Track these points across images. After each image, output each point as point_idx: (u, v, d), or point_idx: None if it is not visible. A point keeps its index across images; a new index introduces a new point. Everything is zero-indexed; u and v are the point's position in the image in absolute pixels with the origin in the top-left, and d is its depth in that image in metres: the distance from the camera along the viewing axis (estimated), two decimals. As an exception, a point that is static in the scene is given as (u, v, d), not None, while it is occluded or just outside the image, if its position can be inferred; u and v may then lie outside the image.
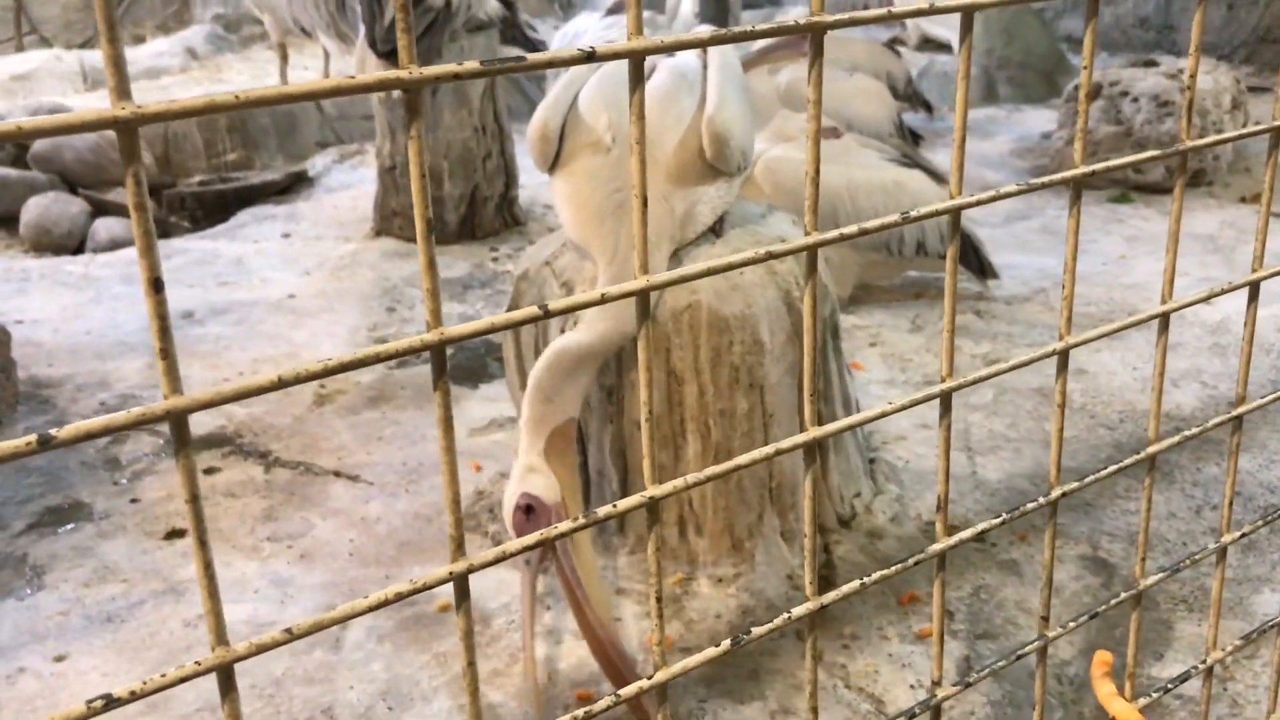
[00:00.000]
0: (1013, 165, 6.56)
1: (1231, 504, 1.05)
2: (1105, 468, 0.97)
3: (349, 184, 6.48)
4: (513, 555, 0.64)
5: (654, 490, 0.69)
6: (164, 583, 2.72)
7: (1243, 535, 1.14)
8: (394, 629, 2.49)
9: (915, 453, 3.17)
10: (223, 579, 2.71)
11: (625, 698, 0.72)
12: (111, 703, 0.53)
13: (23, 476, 3.24)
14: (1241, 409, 0.98)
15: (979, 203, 0.78)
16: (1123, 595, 1.05)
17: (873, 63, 6.62)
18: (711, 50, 2.54)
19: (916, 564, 0.85)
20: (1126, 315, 3.95)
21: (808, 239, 0.73)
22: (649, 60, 2.54)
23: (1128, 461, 0.95)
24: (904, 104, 6.71)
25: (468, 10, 5.10)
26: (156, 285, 0.51)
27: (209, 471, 3.24)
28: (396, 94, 5.13)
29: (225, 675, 0.56)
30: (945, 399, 0.78)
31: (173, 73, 9.49)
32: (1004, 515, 0.88)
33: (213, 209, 6.15)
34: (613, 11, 7.38)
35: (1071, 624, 1.01)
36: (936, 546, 0.81)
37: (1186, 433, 0.96)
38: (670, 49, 0.65)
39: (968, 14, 0.80)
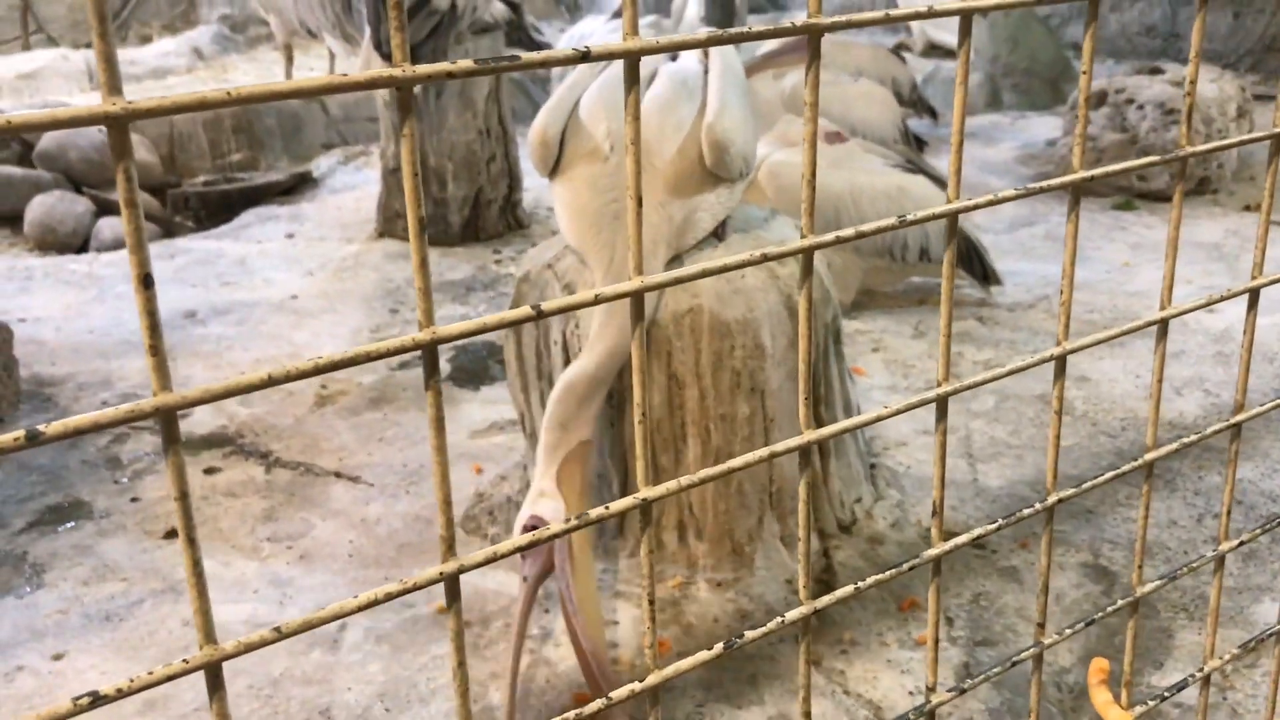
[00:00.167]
0: (1017, 172, 6.55)
1: (1230, 512, 1.05)
2: (1106, 474, 0.97)
3: (353, 185, 6.49)
4: (504, 556, 0.64)
5: (647, 492, 0.68)
6: (163, 582, 2.72)
7: (1241, 544, 1.14)
8: (392, 630, 2.49)
9: (916, 458, 3.16)
10: (222, 579, 2.71)
11: (617, 700, 0.72)
12: (98, 700, 0.53)
13: (24, 474, 3.24)
14: (1240, 416, 0.98)
15: (975, 206, 0.78)
16: (1120, 603, 1.05)
17: (878, 68, 6.62)
18: (713, 55, 2.54)
19: (912, 569, 0.85)
20: (1129, 323, 3.95)
21: (804, 241, 0.73)
22: (651, 66, 2.54)
23: (1126, 468, 0.95)
24: (909, 109, 6.71)
25: (473, 13, 5.11)
26: (146, 281, 0.51)
27: (210, 471, 3.25)
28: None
29: (213, 674, 0.56)
30: (941, 404, 0.78)
31: (179, 73, 9.51)
32: (1000, 521, 0.88)
33: (217, 209, 6.16)
34: (619, 14, 7.39)
35: (1068, 631, 1.01)
36: (932, 552, 0.81)
37: (1185, 440, 0.96)
38: (665, 49, 0.65)
39: (966, 17, 0.80)
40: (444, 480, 0.62)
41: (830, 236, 0.75)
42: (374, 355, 0.58)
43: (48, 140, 6.15)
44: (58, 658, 2.45)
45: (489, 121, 5.41)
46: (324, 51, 7.44)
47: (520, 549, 0.67)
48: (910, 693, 2.26)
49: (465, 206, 5.41)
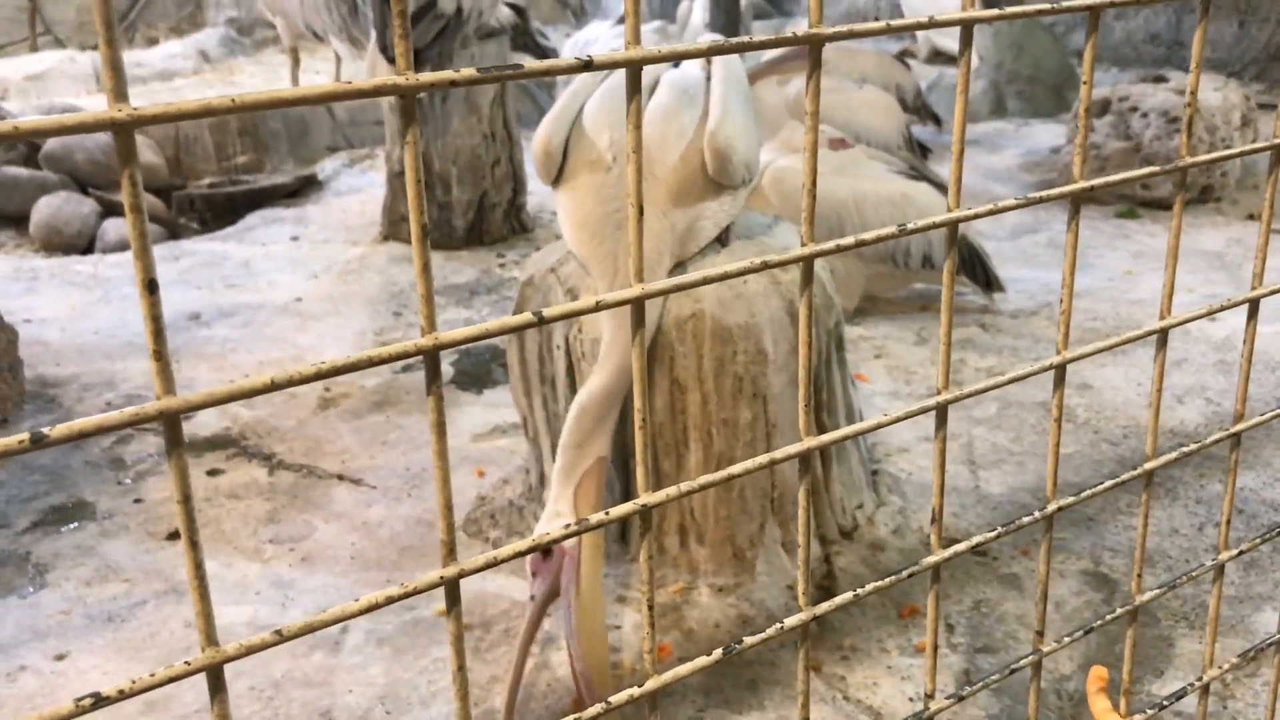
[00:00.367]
0: (1021, 179, 6.56)
1: (1230, 521, 1.05)
2: (1106, 483, 0.97)
3: (358, 188, 6.50)
4: (504, 561, 0.65)
5: (647, 498, 0.69)
6: (165, 583, 2.73)
7: (1241, 553, 1.14)
8: (394, 633, 2.49)
9: (918, 465, 3.16)
10: (225, 580, 2.72)
11: (616, 704, 0.72)
12: (100, 701, 0.53)
13: (27, 475, 3.25)
14: (1240, 425, 0.98)
15: (976, 215, 0.78)
16: (1119, 610, 1.05)
17: (882, 75, 6.63)
18: (715, 62, 2.54)
19: (911, 576, 0.85)
20: (1131, 331, 3.95)
21: (804, 249, 0.73)
22: (653, 74, 2.54)
23: (1125, 476, 0.95)
24: (913, 117, 6.72)
25: (479, 17, 5.12)
26: (151, 286, 0.51)
27: (213, 473, 3.25)
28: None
29: (214, 676, 0.56)
30: (941, 411, 0.78)
31: (185, 75, 9.53)
32: (1000, 529, 0.88)
33: (222, 211, 6.17)
34: (625, 20, 7.39)
35: (1067, 639, 1.01)
36: (931, 559, 0.81)
37: (1186, 449, 0.96)
38: (668, 58, 0.66)
39: (967, 27, 0.80)
40: (445, 484, 0.63)
41: (831, 245, 0.75)
42: (376, 360, 0.58)
43: (54, 141, 6.17)
44: (60, 658, 2.46)
45: (494, 125, 5.42)
46: (330, 54, 7.46)
47: (520, 553, 0.67)
48: (910, 699, 2.26)
49: (470, 210, 5.42)
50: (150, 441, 3.45)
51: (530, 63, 0.61)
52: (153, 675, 0.56)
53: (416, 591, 0.62)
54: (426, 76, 0.56)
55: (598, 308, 0.65)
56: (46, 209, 5.90)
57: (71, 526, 3.00)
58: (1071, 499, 0.92)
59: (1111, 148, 5.79)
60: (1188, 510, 2.93)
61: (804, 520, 0.79)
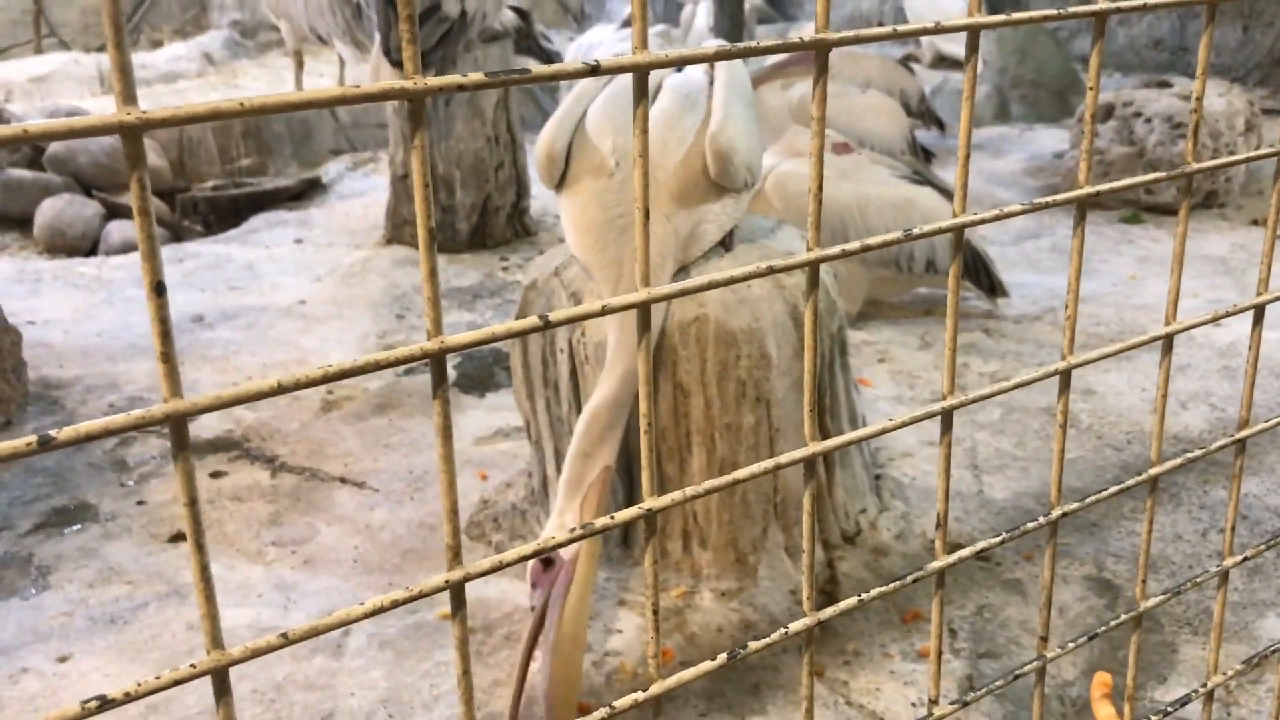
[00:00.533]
0: (1024, 184, 6.56)
1: (1235, 527, 1.05)
2: (1110, 488, 0.97)
3: (362, 191, 6.51)
4: (509, 565, 0.65)
5: (652, 502, 0.69)
6: (168, 585, 2.73)
7: (1246, 559, 1.14)
8: (396, 636, 2.49)
9: (921, 469, 3.16)
10: (227, 583, 2.72)
11: (621, 708, 0.72)
12: (106, 704, 0.53)
13: (30, 477, 3.25)
14: (1245, 432, 0.98)
15: (982, 221, 0.78)
16: (1123, 616, 1.05)
17: (886, 79, 6.63)
18: (719, 67, 2.54)
19: (915, 581, 0.85)
20: (1136, 335, 3.94)
21: (809, 254, 0.73)
22: (656, 78, 2.54)
23: (1130, 482, 0.95)
24: (917, 121, 6.72)
25: (483, 20, 5.12)
26: (159, 289, 0.51)
27: (215, 475, 3.25)
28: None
29: (220, 679, 0.56)
30: (946, 417, 0.78)
31: (189, 77, 9.54)
32: (1004, 534, 0.88)
33: (225, 214, 6.18)
34: (628, 23, 7.41)
35: (1071, 644, 1.01)
36: (935, 564, 0.81)
37: (1190, 454, 0.96)
38: (675, 63, 0.66)
39: (973, 33, 0.81)
40: (451, 488, 0.63)
41: (836, 250, 0.75)
42: (383, 364, 0.58)
43: (58, 144, 6.18)
44: (63, 660, 2.46)
45: (497, 129, 5.43)
46: (334, 57, 7.47)
47: (524, 558, 0.67)
48: (913, 704, 2.26)
49: (473, 214, 5.43)
50: (153, 444, 3.45)
51: (538, 67, 0.61)
52: (158, 678, 0.56)
53: (422, 595, 0.62)
54: (434, 81, 0.56)
55: (604, 312, 0.65)
56: (50, 211, 5.91)
57: (74, 528, 3.00)
58: (1076, 505, 0.91)
59: (1115, 153, 5.79)
60: (1191, 516, 2.92)
61: (809, 526, 0.79)
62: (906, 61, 8.03)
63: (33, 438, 0.51)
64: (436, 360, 0.60)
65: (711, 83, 2.51)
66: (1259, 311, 0.98)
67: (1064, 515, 0.90)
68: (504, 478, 3.13)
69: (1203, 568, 2.73)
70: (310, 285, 4.98)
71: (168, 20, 11.04)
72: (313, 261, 5.32)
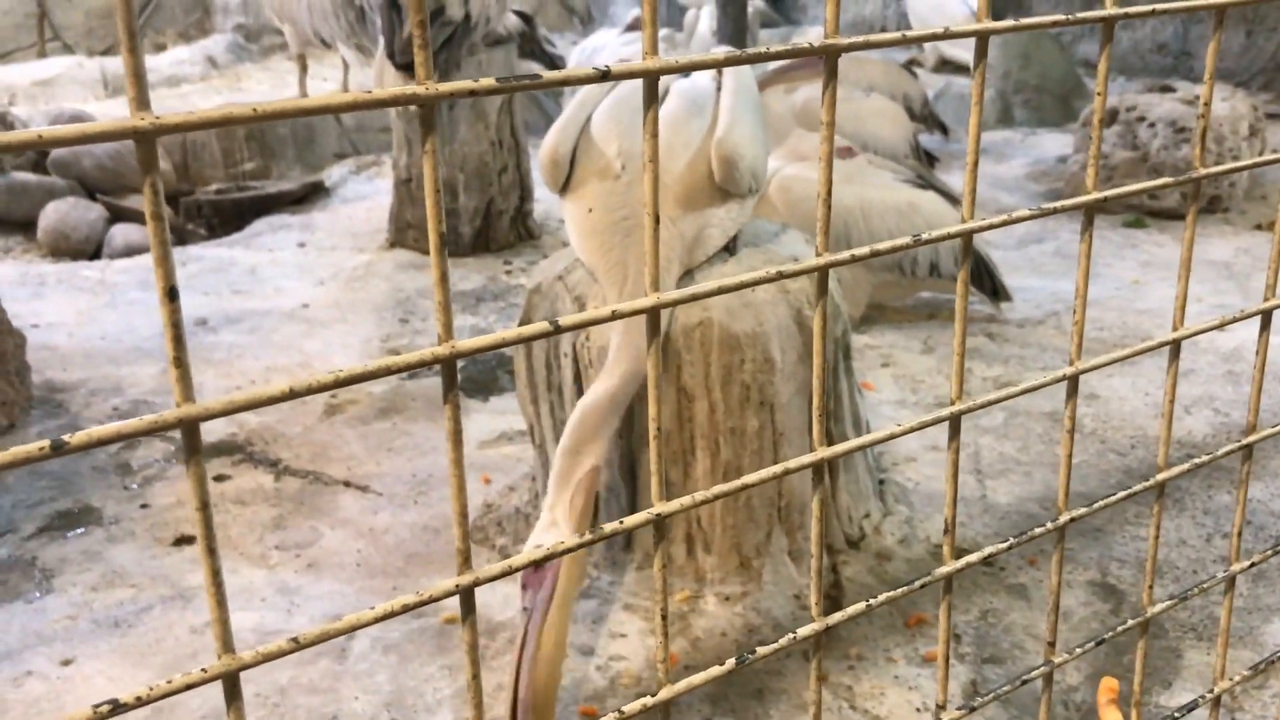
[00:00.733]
0: (1028, 189, 6.56)
1: (1241, 533, 1.05)
2: (1115, 493, 0.97)
3: (365, 195, 6.51)
4: (519, 569, 0.65)
5: (661, 507, 0.69)
6: (172, 588, 2.73)
7: (1252, 564, 1.14)
8: (400, 640, 2.49)
9: (925, 474, 3.16)
10: (230, 587, 2.72)
11: (630, 714, 0.72)
12: (118, 708, 0.53)
13: (34, 480, 3.25)
14: (1253, 437, 0.98)
15: (990, 226, 0.78)
16: (1130, 622, 1.05)
17: (889, 84, 6.63)
18: (726, 72, 2.55)
19: (923, 586, 0.85)
20: (1139, 341, 3.93)
21: (819, 259, 0.73)
22: (664, 83, 2.54)
23: (1137, 488, 0.95)
24: (920, 125, 6.72)
25: (486, 24, 5.13)
26: (172, 294, 0.52)
27: (219, 479, 3.25)
28: (414, 107, 5.17)
29: (230, 683, 0.56)
30: (954, 421, 0.78)
31: (193, 81, 9.56)
32: (1011, 540, 0.88)
33: (229, 217, 6.19)
34: (632, 28, 7.42)
35: (1078, 650, 1.01)
36: (943, 569, 0.81)
37: (1197, 460, 0.96)
38: (685, 69, 0.66)
39: (983, 38, 0.81)
40: (461, 492, 0.63)
41: (846, 255, 0.75)
42: (394, 369, 0.58)
43: (62, 147, 6.18)
44: (66, 663, 2.46)
45: (501, 133, 5.43)
46: (338, 61, 7.48)
47: (535, 562, 0.67)
48: (917, 709, 2.25)
49: (476, 217, 5.43)
50: (157, 447, 3.46)
51: (549, 73, 0.61)
52: (170, 682, 0.56)
53: (432, 599, 0.62)
54: (447, 86, 0.56)
55: (614, 316, 0.65)
56: (54, 214, 5.92)
57: (78, 532, 3.00)
58: (1084, 510, 0.91)
59: (1119, 157, 5.79)
60: (1195, 521, 2.92)
61: (817, 531, 0.79)
62: (910, 66, 8.03)
63: (45, 443, 0.51)
64: (447, 365, 0.60)
65: (719, 88, 2.51)
66: (1266, 317, 0.98)
67: (1071, 520, 0.90)
68: (507, 481, 3.13)
69: (1207, 573, 2.73)
70: (313, 289, 4.98)
71: (171, 24, 11.05)
72: (316, 265, 5.33)
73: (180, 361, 0.52)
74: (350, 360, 4.16)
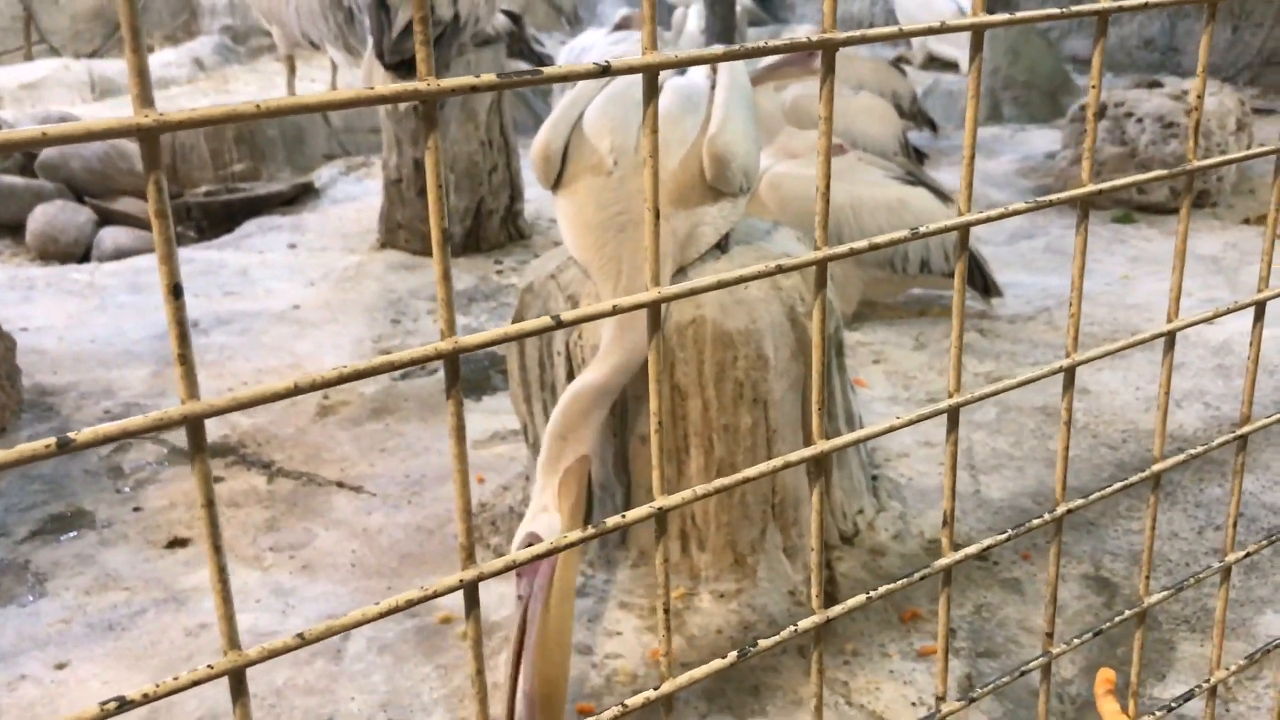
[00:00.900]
0: (1017, 185, 6.57)
1: (1236, 523, 1.06)
2: (1113, 485, 0.98)
3: (355, 196, 6.50)
4: (522, 564, 0.65)
5: (663, 501, 0.69)
6: (165, 591, 2.73)
7: (1247, 555, 1.14)
8: (395, 640, 2.49)
9: (918, 470, 3.17)
10: (224, 588, 2.71)
11: (632, 707, 0.73)
12: (125, 705, 0.53)
13: (26, 484, 3.24)
14: (1246, 428, 0.99)
15: (988, 219, 0.78)
16: (1127, 613, 1.05)
17: (878, 81, 6.65)
18: (720, 69, 2.55)
19: (923, 578, 0.85)
20: (1129, 335, 3.94)
21: (817, 253, 0.73)
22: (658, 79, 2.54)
23: (1133, 479, 0.95)
24: (909, 122, 6.73)
25: (475, 24, 5.13)
26: (176, 291, 0.52)
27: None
28: (404, 107, 5.16)
29: (237, 679, 0.56)
30: (952, 414, 0.79)
31: (180, 83, 9.53)
32: (1010, 531, 0.89)
33: (219, 219, 6.17)
34: (620, 27, 7.41)
35: (1076, 640, 1.01)
36: (943, 561, 0.81)
37: (1192, 451, 0.97)
38: (684, 64, 0.66)
39: (978, 32, 0.81)
40: (464, 488, 0.63)
41: (844, 249, 0.76)
42: (397, 364, 0.59)
43: (50, 150, 6.17)
44: (60, 667, 2.45)
45: (491, 133, 5.43)
46: (326, 63, 7.47)
47: (537, 557, 0.67)
48: (913, 704, 2.26)
49: (467, 217, 5.43)
50: (149, 450, 3.45)
51: (549, 68, 0.61)
52: (176, 679, 0.56)
53: (436, 595, 0.62)
54: (448, 82, 0.56)
55: (615, 311, 0.65)
56: (42, 217, 5.89)
57: (71, 535, 2.99)
58: (1081, 501, 0.92)
59: (1107, 153, 5.81)
60: (1187, 514, 2.93)
61: (817, 524, 0.80)
62: (898, 63, 8.05)
63: (50, 440, 0.51)
64: (450, 360, 0.61)
65: (713, 86, 2.51)
66: (1260, 308, 0.99)
67: (1069, 511, 0.91)
68: (501, 481, 3.13)
69: (1200, 565, 2.74)
70: (304, 290, 4.97)
71: (158, 26, 11.02)
72: (306, 266, 5.32)
73: (185, 358, 0.52)
74: (344, 361, 4.15)
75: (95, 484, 3.26)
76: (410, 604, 0.62)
